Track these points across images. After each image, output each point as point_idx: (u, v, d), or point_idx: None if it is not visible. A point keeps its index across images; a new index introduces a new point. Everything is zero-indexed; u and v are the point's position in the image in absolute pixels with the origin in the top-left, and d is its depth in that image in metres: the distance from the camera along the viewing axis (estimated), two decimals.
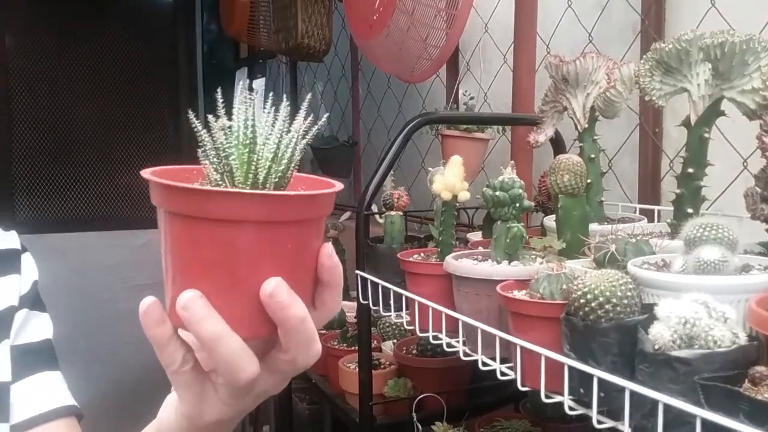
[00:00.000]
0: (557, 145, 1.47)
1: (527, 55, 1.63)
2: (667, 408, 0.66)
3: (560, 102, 1.24)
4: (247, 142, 0.46)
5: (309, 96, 0.52)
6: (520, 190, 1.04)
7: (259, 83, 3.85)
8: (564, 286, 0.86)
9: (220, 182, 0.47)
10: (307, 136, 0.48)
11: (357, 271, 1.34)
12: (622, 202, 1.40)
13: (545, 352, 0.82)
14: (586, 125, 1.20)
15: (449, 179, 1.13)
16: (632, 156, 1.53)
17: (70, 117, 3.92)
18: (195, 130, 0.46)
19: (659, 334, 0.69)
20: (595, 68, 1.18)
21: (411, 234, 1.50)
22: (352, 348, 1.80)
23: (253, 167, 0.46)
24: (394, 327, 1.92)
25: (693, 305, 0.69)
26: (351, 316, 1.98)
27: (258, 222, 0.44)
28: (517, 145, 1.65)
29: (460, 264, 1.05)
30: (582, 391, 0.79)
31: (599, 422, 0.77)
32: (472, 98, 1.95)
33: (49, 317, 0.89)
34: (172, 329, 0.48)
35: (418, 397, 1.49)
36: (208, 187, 0.45)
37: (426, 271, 1.16)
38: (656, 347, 0.69)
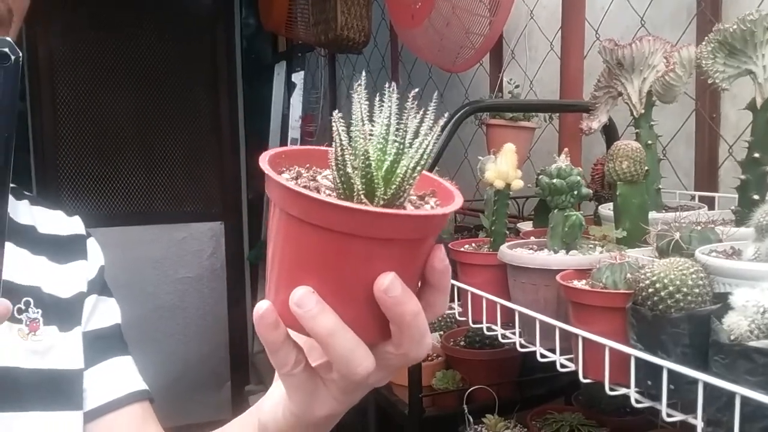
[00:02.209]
0: (610, 132, 1.43)
1: (576, 41, 1.59)
2: (745, 401, 0.63)
3: (614, 87, 1.21)
4: (376, 148, 0.44)
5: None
6: (578, 177, 1.01)
7: (298, 77, 3.85)
8: (628, 276, 0.83)
9: (339, 184, 0.45)
10: (427, 152, 0.45)
11: None
12: (678, 189, 1.36)
13: (610, 343, 0.80)
14: (643, 111, 1.17)
15: (502, 167, 1.11)
16: (688, 142, 1.48)
17: (112, 113, 3.98)
18: (337, 133, 0.44)
19: (735, 324, 0.66)
20: (652, 52, 1.14)
21: (457, 225, 1.48)
22: None
23: (369, 177, 0.44)
24: (440, 319, 1.90)
25: None
26: None
27: (367, 237, 0.43)
28: (567, 132, 1.62)
29: (516, 253, 1.03)
30: (650, 383, 0.77)
31: (669, 415, 0.74)
32: (517, 86, 1.92)
33: (116, 302, 0.89)
34: (286, 332, 0.47)
35: (469, 390, 1.47)
36: (327, 199, 0.43)
37: (479, 261, 1.14)
38: (732, 338, 0.66)
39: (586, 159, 1.62)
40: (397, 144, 0.45)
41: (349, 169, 0.44)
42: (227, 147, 4.26)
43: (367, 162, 0.44)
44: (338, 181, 0.45)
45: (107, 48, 3.93)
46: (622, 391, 0.82)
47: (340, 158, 0.44)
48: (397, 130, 0.45)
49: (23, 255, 0.79)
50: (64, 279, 0.83)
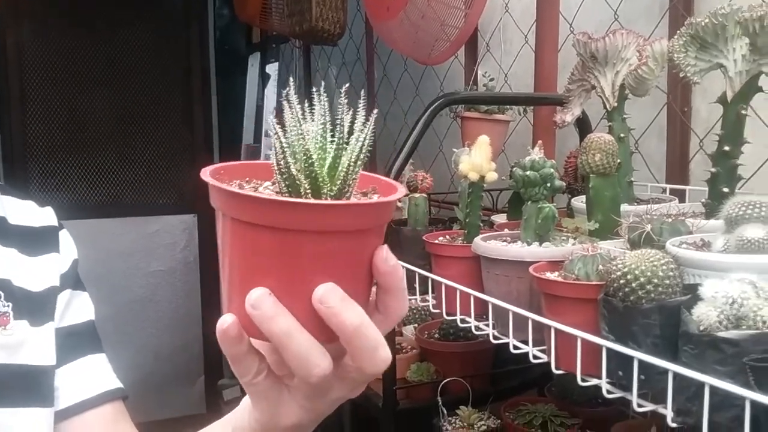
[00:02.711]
0: (583, 125, 1.44)
1: (550, 35, 1.60)
2: (714, 390, 0.64)
3: (588, 80, 1.22)
4: (311, 154, 0.45)
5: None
6: (552, 170, 1.02)
7: (272, 68, 3.82)
8: (600, 267, 0.84)
9: (284, 187, 0.46)
10: (364, 147, 0.46)
11: None
12: (650, 182, 1.38)
13: (582, 334, 0.80)
14: (615, 104, 1.17)
15: (476, 160, 1.11)
16: (659, 136, 1.50)
17: (83, 105, 3.92)
18: (273, 132, 0.45)
19: (704, 315, 0.67)
20: (625, 45, 1.15)
21: (431, 217, 1.48)
22: None
23: (314, 175, 0.45)
24: (415, 311, 1.90)
25: (740, 285, 0.67)
26: None
27: (317, 231, 0.43)
28: (541, 125, 1.62)
29: (489, 246, 1.03)
30: (621, 373, 0.77)
31: (639, 405, 0.75)
32: (492, 79, 1.92)
33: (89, 296, 0.88)
34: (249, 343, 0.47)
35: (443, 382, 1.48)
36: (276, 197, 0.44)
37: (453, 253, 1.14)
38: (701, 328, 0.67)
39: (560, 152, 1.63)
40: (336, 141, 0.45)
41: (293, 170, 0.44)
42: (200, 139, 4.22)
43: (309, 161, 0.44)
44: (283, 185, 0.45)
45: (77, 39, 3.87)
46: (594, 381, 0.82)
47: (282, 161, 0.45)
48: (333, 128, 0.46)
49: None
50: (35, 272, 0.81)
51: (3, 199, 0.83)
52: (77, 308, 0.85)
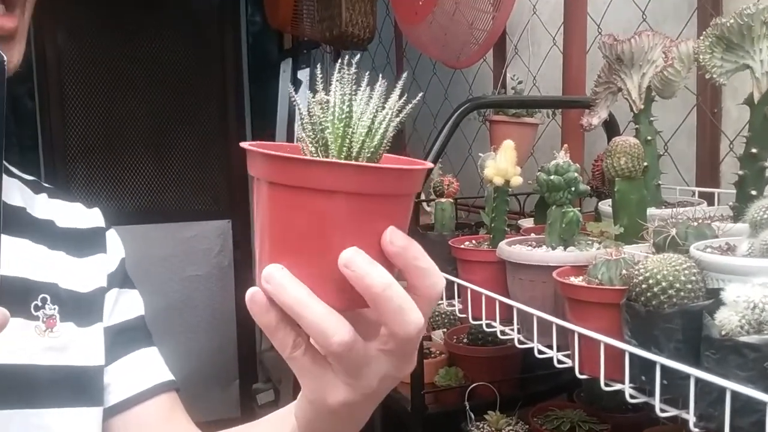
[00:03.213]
0: (611, 127, 1.43)
1: (578, 36, 1.59)
2: (735, 395, 0.63)
3: (614, 83, 1.21)
4: (343, 116, 0.46)
5: (404, 75, 0.51)
6: (576, 174, 1.01)
7: (303, 74, 3.86)
8: (624, 272, 0.83)
9: (315, 155, 0.47)
10: (401, 114, 0.47)
11: None
12: (680, 185, 1.36)
13: (605, 339, 0.80)
14: (642, 106, 1.16)
15: (501, 164, 1.11)
16: (689, 138, 1.48)
17: (121, 111, 4.00)
18: (294, 102, 0.47)
19: (726, 320, 0.66)
20: (651, 47, 1.14)
21: (459, 222, 1.48)
22: None
23: (347, 141, 0.46)
24: (443, 316, 1.91)
25: (762, 289, 0.67)
26: None
27: (350, 193, 0.44)
28: (569, 129, 1.62)
29: (514, 250, 1.03)
30: (643, 378, 0.77)
31: (662, 410, 0.75)
32: (520, 82, 1.92)
33: (138, 293, 0.89)
34: (281, 313, 0.47)
35: (470, 386, 1.48)
36: (304, 157, 0.46)
37: (478, 258, 1.15)
38: (723, 333, 0.66)
39: (589, 155, 1.62)
40: (373, 109, 0.47)
41: (328, 134, 0.46)
42: (234, 145, 4.26)
43: (347, 121, 0.46)
44: (312, 148, 0.47)
45: (114, 46, 3.95)
46: (617, 386, 0.82)
47: (317, 122, 0.46)
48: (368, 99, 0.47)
49: (41, 251, 0.79)
50: (83, 273, 0.82)
51: (51, 202, 0.85)
52: (126, 305, 0.86)
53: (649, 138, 1.16)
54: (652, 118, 1.17)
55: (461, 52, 2.07)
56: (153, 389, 0.83)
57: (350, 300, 0.46)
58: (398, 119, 0.47)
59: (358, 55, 0.49)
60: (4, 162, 0.45)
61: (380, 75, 0.47)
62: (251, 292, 0.47)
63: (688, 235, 0.87)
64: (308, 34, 3.21)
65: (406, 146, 2.98)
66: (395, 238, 0.46)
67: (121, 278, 0.88)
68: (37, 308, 0.75)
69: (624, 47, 1.15)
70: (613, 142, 1.04)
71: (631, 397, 0.80)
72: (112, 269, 0.86)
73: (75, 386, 0.76)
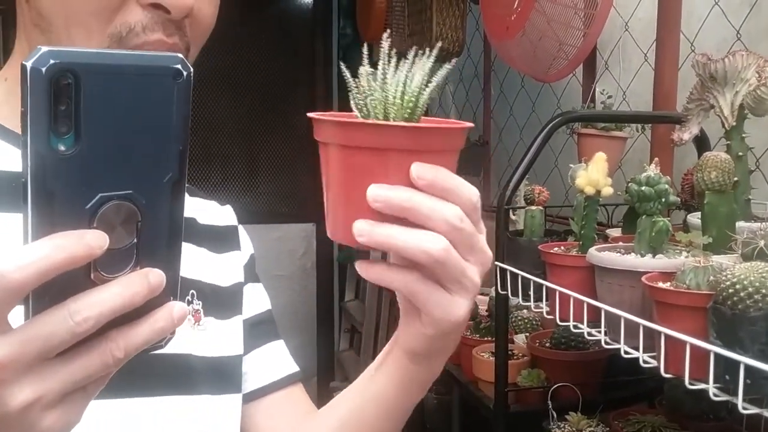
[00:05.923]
0: (702, 143, 1.46)
1: (671, 53, 1.62)
2: None
3: (707, 100, 1.25)
4: (381, 85, 0.55)
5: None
6: (666, 186, 1.07)
7: None
8: (711, 278, 0.88)
9: (368, 113, 0.56)
10: (434, 78, 0.55)
11: (496, 263, 1.40)
12: None
13: (691, 339, 0.85)
14: (734, 123, 1.20)
15: (593, 175, 1.17)
16: None
17: (216, 118, 4.21)
18: (345, 78, 0.57)
19: None
20: (745, 66, 1.17)
21: (547, 229, 1.54)
22: (485, 339, 1.87)
23: (383, 106, 0.55)
24: (525, 321, 1.97)
25: None
26: (482, 309, 2.05)
27: (401, 150, 0.52)
28: (658, 143, 1.65)
29: (605, 256, 1.09)
30: (727, 378, 0.82)
31: (744, 408, 0.79)
32: (609, 97, 1.96)
33: (263, 287, 0.95)
34: (385, 264, 0.55)
35: (553, 386, 1.53)
36: (356, 120, 0.55)
37: (568, 262, 1.21)
38: None
39: (677, 169, 1.65)
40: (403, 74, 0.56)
41: (390, 91, 0.55)
42: None
43: (402, 88, 0.55)
44: (365, 111, 0.56)
45: (209, 57, 4.15)
46: (701, 386, 0.87)
47: (363, 91, 0.56)
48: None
49: (187, 248, 0.82)
50: (222, 269, 0.86)
51: (191, 200, 0.88)
52: (257, 299, 0.93)
53: (740, 154, 1.19)
54: (744, 135, 1.20)
55: (550, 66, 2.13)
56: (284, 380, 0.90)
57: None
58: (433, 84, 0.55)
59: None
60: None
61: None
62: (358, 263, 0.55)
63: None
64: (397, 47, 3.28)
65: (491, 158, 3.04)
66: (424, 172, 0.53)
67: (252, 273, 0.93)
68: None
69: (717, 66, 1.19)
70: (705, 156, 1.09)
71: (715, 395, 0.85)
72: (245, 264, 0.92)
73: (221, 375, 0.81)
